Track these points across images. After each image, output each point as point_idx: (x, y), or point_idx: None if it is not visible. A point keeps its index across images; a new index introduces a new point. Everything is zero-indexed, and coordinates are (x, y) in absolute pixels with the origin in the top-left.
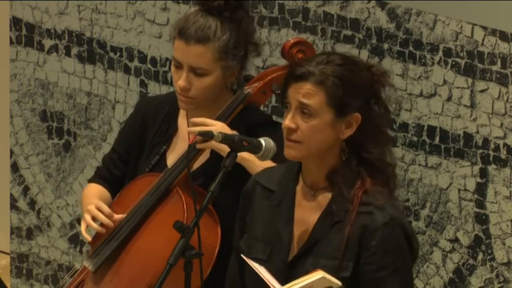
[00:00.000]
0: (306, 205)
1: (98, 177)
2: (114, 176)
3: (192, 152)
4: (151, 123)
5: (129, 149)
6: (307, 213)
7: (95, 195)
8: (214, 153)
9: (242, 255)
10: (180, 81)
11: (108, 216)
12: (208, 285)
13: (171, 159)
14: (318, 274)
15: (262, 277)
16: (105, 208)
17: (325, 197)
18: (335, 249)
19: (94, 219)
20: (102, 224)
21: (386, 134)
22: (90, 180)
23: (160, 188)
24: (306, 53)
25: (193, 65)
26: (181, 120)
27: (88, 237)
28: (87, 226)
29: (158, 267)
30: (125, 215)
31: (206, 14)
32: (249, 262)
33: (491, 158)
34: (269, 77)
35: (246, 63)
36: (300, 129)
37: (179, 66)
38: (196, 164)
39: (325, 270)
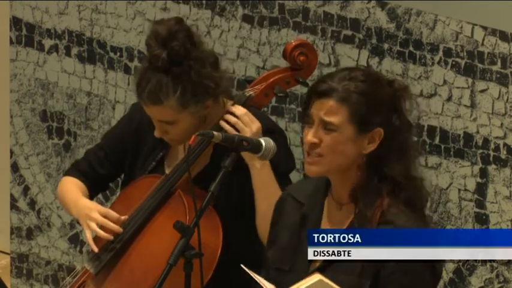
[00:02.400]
0: (333, 219)
1: (78, 172)
2: (97, 174)
3: (193, 156)
4: (148, 129)
5: (119, 150)
6: (333, 227)
7: (77, 191)
8: (214, 157)
9: (242, 266)
10: (155, 132)
11: (117, 222)
12: (210, 286)
13: (169, 165)
14: (315, 277)
15: (259, 282)
16: (113, 214)
17: (350, 212)
18: (354, 266)
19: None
20: (101, 227)
21: (409, 149)
22: (68, 173)
23: (161, 190)
24: (307, 55)
25: (160, 119)
26: None
27: (96, 248)
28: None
29: (160, 270)
30: (126, 217)
31: (156, 72)
32: (247, 270)
33: (491, 158)
34: (271, 80)
35: (216, 93)
36: (323, 142)
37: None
38: (197, 168)
39: (342, 287)
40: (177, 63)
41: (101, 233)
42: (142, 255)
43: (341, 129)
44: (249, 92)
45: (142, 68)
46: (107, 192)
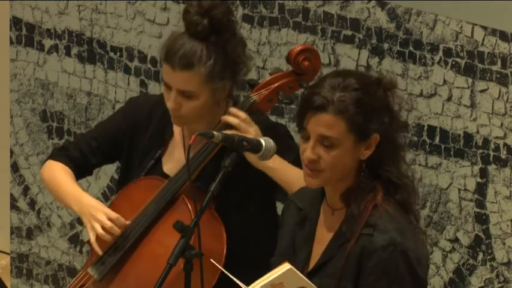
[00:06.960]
0: (326, 224)
1: (67, 158)
2: (88, 163)
3: (200, 158)
4: (145, 127)
5: (113, 144)
6: (326, 233)
7: (73, 182)
8: (215, 156)
9: (212, 260)
10: (169, 102)
11: (122, 227)
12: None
13: (167, 164)
14: (285, 267)
15: (231, 276)
16: (122, 220)
17: (341, 217)
18: (338, 269)
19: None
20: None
21: (400, 148)
22: (56, 158)
23: (165, 196)
24: (312, 60)
25: (181, 88)
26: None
27: (100, 252)
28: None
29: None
30: (129, 222)
31: (192, 38)
32: (226, 272)
33: (491, 158)
34: (276, 85)
35: (237, 78)
36: (322, 159)
37: (168, 87)
38: (198, 169)
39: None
40: (217, 32)
41: (106, 236)
42: (148, 260)
43: (340, 142)
44: (254, 97)
45: (175, 34)
46: (107, 191)
